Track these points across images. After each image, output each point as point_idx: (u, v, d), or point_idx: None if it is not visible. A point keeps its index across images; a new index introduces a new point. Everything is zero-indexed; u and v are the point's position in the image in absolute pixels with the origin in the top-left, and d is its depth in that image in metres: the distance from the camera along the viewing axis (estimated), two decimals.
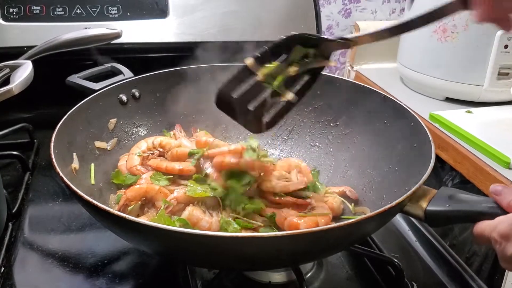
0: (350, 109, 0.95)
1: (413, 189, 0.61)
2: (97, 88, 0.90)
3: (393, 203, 0.59)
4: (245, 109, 0.68)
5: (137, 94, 0.96)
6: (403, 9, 1.68)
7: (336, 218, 0.82)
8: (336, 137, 0.97)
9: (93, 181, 0.80)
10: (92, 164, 0.83)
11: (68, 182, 0.62)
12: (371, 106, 0.91)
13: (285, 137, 1.03)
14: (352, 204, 0.84)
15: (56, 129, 0.75)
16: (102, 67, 1.02)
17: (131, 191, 0.77)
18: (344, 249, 0.77)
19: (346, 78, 1.01)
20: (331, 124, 0.98)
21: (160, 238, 0.56)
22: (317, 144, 0.99)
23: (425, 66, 1.40)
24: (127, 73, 0.98)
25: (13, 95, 0.58)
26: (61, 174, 0.63)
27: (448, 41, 1.32)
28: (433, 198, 0.62)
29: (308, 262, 0.77)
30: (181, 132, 0.96)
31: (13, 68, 0.66)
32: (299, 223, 0.72)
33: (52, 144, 0.71)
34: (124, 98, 0.94)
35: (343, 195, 0.85)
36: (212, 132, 1.01)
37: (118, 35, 0.97)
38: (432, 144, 0.73)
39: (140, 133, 0.96)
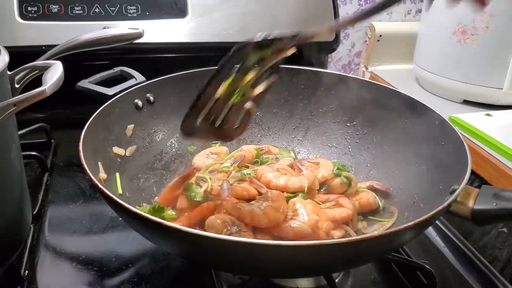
0: (366, 108, 0.94)
1: (460, 187, 0.61)
2: (111, 94, 0.87)
3: (445, 204, 0.58)
4: (213, 128, 0.69)
5: (151, 98, 0.93)
6: (419, 10, 1.67)
7: (364, 215, 0.83)
8: (354, 137, 0.96)
9: (120, 191, 0.78)
10: (117, 174, 0.80)
11: (116, 198, 0.59)
12: (389, 105, 0.90)
13: (301, 138, 1.02)
14: (382, 200, 0.84)
15: (82, 138, 0.72)
16: (111, 71, 0.98)
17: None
18: (384, 255, 0.75)
19: (361, 77, 1.00)
20: (348, 124, 0.97)
21: (205, 246, 0.55)
22: (334, 144, 0.98)
23: (443, 68, 1.39)
24: (139, 77, 0.94)
25: (46, 96, 0.56)
26: (104, 189, 0.60)
27: (468, 43, 1.31)
28: (478, 197, 0.61)
29: (345, 269, 0.76)
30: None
31: (42, 69, 0.64)
32: None
33: (81, 154, 0.68)
34: (140, 103, 0.91)
35: (371, 189, 0.85)
36: None
37: (140, 35, 0.96)
38: (464, 142, 0.73)
39: (156, 139, 0.94)
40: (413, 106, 0.87)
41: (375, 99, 0.93)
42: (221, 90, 0.67)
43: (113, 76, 0.97)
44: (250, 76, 0.67)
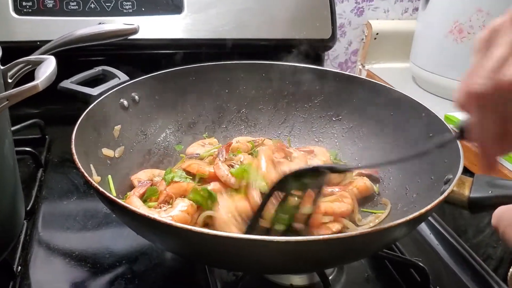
0: (351, 102, 0.95)
1: (456, 176, 0.62)
2: (95, 94, 0.85)
3: (445, 194, 0.59)
4: None
5: (136, 98, 0.91)
6: (416, 9, 1.67)
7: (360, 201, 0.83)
8: (340, 131, 0.97)
9: (114, 193, 0.77)
10: (109, 176, 0.79)
11: (123, 203, 0.59)
12: (374, 99, 0.91)
13: (287, 134, 1.02)
14: (377, 184, 0.86)
15: (73, 140, 0.70)
16: (92, 70, 0.96)
17: (172, 188, 0.76)
18: (380, 250, 0.75)
19: (344, 72, 1.01)
20: (333, 119, 0.98)
21: (202, 243, 0.55)
22: (321, 139, 0.99)
23: (439, 67, 1.39)
24: (122, 76, 0.92)
25: (38, 91, 0.56)
26: (106, 193, 0.60)
27: (464, 42, 1.31)
28: (473, 186, 0.63)
29: (339, 265, 0.76)
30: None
31: (35, 63, 0.64)
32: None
33: (75, 156, 0.67)
34: (126, 103, 0.89)
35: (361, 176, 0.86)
36: (212, 133, 1.00)
37: (135, 31, 0.95)
38: (454, 132, 0.73)
39: (143, 139, 0.92)
40: (398, 99, 0.88)
41: (359, 93, 0.94)
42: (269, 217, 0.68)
43: (95, 76, 0.95)
44: (292, 202, 0.68)
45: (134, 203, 0.74)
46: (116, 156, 0.85)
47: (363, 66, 1.68)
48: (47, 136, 1.12)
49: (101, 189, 0.61)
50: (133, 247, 0.80)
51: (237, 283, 0.72)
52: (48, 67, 0.60)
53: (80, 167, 0.65)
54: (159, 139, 0.94)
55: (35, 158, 1.01)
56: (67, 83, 0.88)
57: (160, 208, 0.75)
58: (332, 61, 1.70)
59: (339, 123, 0.97)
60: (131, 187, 0.83)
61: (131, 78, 0.93)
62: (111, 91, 0.86)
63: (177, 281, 0.75)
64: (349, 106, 0.95)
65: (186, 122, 0.98)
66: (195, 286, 0.73)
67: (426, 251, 0.83)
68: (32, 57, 0.66)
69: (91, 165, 0.76)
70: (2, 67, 0.66)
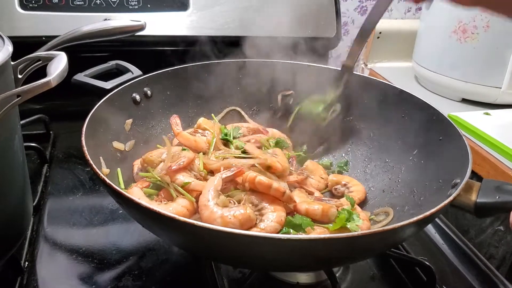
0: (363, 103, 0.95)
1: (463, 181, 0.62)
2: (108, 88, 0.85)
3: (451, 198, 0.59)
4: None
5: (149, 92, 0.92)
6: (419, 8, 1.67)
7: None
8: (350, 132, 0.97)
9: (123, 186, 0.77)
10: (119, 169, 0.79)
11: (129, 195, 0.59)
12: (385, 100, 0.91)
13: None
14: None
15: (83, 133, 0.70)
16: (106, 65, 0.96)
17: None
18: (387, 250, 0.75)
19: (358, 73, 1.01)
20: (344, 119, 0.97)
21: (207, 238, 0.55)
22: None
23: (442, 66, 1.39)
24: (135, 71, 0.93)
25: (50, 87, 0.56)
26: (113, 185, 0.60)
27: (467, 41, 1.31)
28: (480, 190, 0.63)
29: (346, 264, 0.76)
30: (177, 125, 0.89)
31: (46, 59, 0.64)
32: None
33: (85, 149, 0.67)
34: (138, 97, 0.89)
35: None
36: None
37: (142, 28, 0.95)
38: (464, 137, 0.74)
39: (154, 133, 0.93)
40: (409, 101, 0.88)
41: (371, 94, 0.93)
42: None
43: (108, 70, 0.95)
44: None
45: (136, 194, 0.74)
46: (126, 149, 0.85)
47: (366, 65, 1.68)
48: (51, 132, 1.12)
49: (108, 181, 0.61)
50: (140, 243, 0.81)
51: (245, 280, 0.72)
52: (60, 63, 0.60)
53: (89, 158, 0.65)
54: (169, 134, 0.94)
55: (40, 153, 1.01)
56: (81, 76, 0.88)
57: (161, 202, 0.75)
58: (335, 60, 1.70)
59: (349, 124, 0.97)
60: None
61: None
62: (124, 85, 0.86)
63: (184, 278, 0.75)
64: (360, 107, 0.95)
65: (196, 118, 0.98)
66: (202, 283, 0.74)
67: (432, 250, 0.84)
68: (42, 52, 0.66)
69: (101, 157, 0.76)
70: (12, 63, 0.65)
